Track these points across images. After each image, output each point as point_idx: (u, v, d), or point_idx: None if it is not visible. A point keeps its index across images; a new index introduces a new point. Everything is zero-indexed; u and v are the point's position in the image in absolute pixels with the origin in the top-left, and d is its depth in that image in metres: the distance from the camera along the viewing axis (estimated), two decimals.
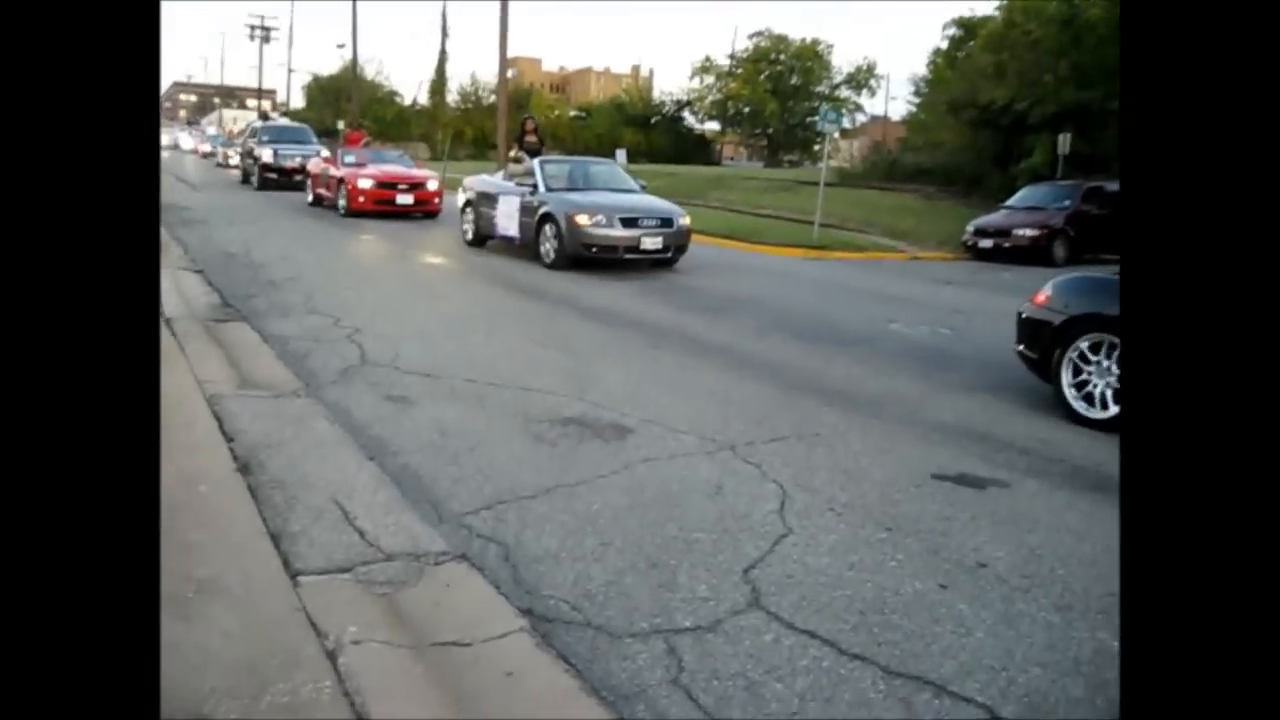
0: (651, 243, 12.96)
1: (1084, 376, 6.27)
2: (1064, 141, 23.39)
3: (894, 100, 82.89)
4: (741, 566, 3.76)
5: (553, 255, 13.12)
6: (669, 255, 13.36)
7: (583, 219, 12.76)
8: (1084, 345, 6.24)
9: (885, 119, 59.89)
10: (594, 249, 12.75)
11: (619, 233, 12.81)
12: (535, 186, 13.85)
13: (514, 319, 9.49)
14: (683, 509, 4.34)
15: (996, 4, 29.34)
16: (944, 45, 35.78)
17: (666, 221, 13.29)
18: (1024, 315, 6.93)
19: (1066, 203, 19.78)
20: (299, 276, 11.23)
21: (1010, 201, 21.10)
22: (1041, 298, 6.76)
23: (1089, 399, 6.22)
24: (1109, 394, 6.11)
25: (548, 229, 13.23)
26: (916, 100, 33.03)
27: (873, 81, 64.09)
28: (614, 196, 13.79)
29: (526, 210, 13.86)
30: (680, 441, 5.36)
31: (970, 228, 20.11)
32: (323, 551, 3.74)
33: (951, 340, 9.45)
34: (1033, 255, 18.76)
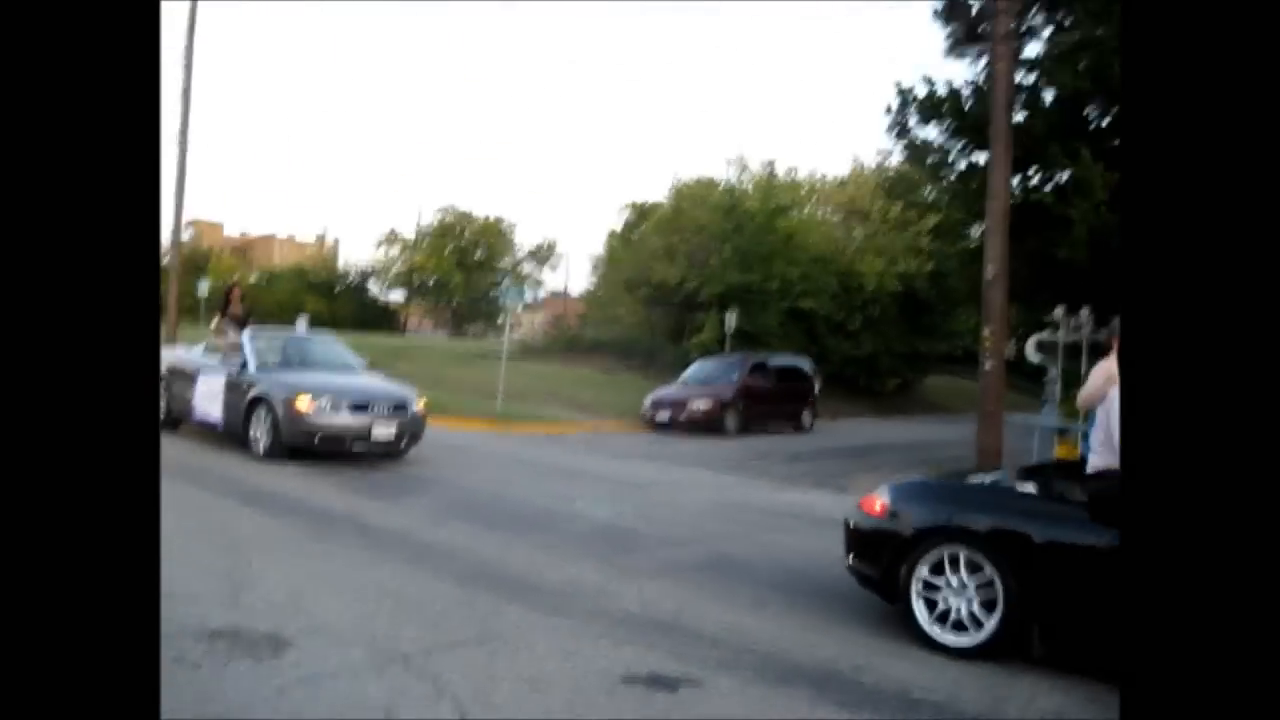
0: (383, 431, 11.44)
1: (937, 596, 5.50)
2: (730, 319, 24.99)
3: (574, 277, 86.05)
4: None
5: (265, 444, 11.31)
6: (402, 445, 11.89)
7: (304, 403, 11.05)
8: (938, 560, 5.51)
9: (566, 295, 61.98)
10: (317, 438, 11.10)
11: (347, 420, 11.23)
12: (244, 364, 12.05)
13: (167, 509, 8.49)
14: None
15: (666, 192, 31.33)
16: (619, 228, 37.70)
17: (400, 406, 11.82)
18: (855, 525, 6.07)
19: (734, 376, 20.92)
20: None
21: (684, 375, 22.07)
22: (878, 506, 5.92)
23: (943, 620, 5.46)
24: (968, 616, 5.38)
25: (260, 413, 11.42)
26: (595, 278, 34.25)
27: (553, 259, 66.31)
28: (338, 377, 12.22)
29: (233, 390, 11.93)
30: (346, 655, 4.77)
31: (648, 400, 20.74)
32: None
33: (634, 519, 9.39)
34: (707, 427, 19.58)
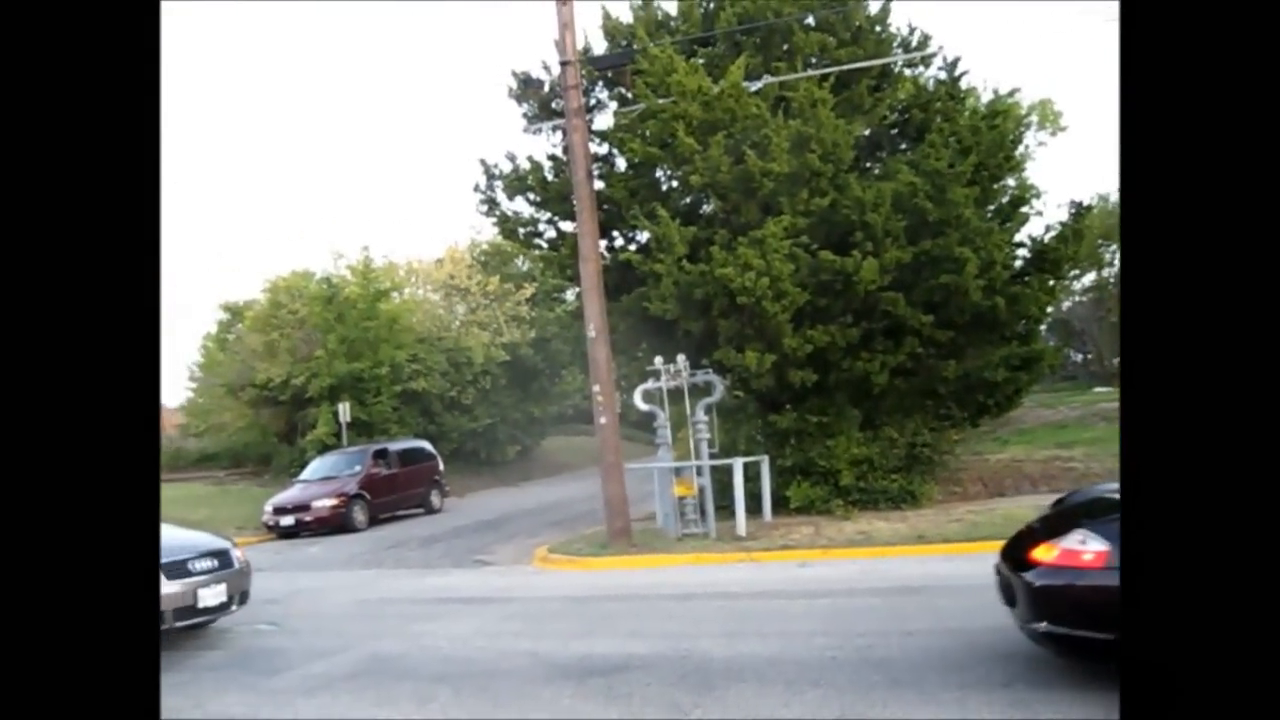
0: (212, 596, 8.25)
1: None
2: (344, 410, 24.33)
3: (168, 389, 78.96)
4: None
5: None
6: (231, 608, 8.66)
7: None
8: None
9: (162, 407, 57.39)
10: None
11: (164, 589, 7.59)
12: None
13: None
14: None
15: (261, 287, 30.06)
16: (214, 329, 35.60)
17: (218, 555, 8.60)
18: (1049, 585, 4.83)
19: (357, 468, 20.33)
20: None
21: (304, 475, 21.18)
22: (1089, 556, 4.65)
23: None
24: None
25: None
26: (193, 385, 32.01)
27: None
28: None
29: None
30: None
31: (268, 507, 19.72)
32: None
33: (276, 636, 8.84)
34: (335, 524, 18.88)
